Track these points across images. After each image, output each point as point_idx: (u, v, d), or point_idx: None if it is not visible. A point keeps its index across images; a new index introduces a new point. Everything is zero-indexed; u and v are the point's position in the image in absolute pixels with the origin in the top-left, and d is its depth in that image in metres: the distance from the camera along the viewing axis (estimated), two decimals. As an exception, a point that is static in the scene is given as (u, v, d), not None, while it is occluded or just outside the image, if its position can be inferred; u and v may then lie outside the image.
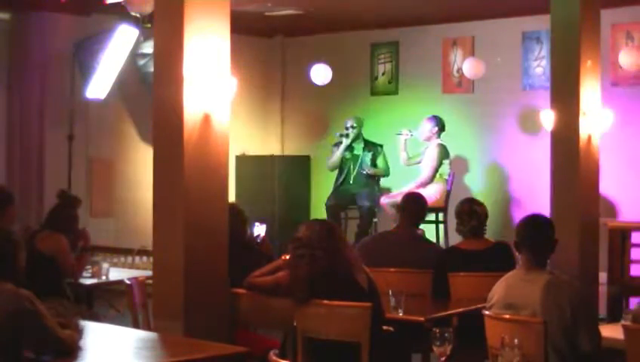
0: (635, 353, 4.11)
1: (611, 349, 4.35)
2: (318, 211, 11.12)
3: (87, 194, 10.28)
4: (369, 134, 10.72)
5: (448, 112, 10.71)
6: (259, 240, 6.00)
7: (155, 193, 5.15)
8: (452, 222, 6.72)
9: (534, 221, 4.52)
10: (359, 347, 4.32)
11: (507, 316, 4.34)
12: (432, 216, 9.89)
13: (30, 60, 10.09)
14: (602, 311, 7.81)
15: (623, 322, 4.43)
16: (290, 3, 10.13)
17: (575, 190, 7.32)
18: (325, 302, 4.40)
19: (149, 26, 8.76)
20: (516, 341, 3.66)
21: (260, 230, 6.07)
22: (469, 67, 10.44)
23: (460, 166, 10.94)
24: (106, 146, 10.78)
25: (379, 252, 6.05)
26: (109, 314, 8.01)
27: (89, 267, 6.72)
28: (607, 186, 9.14)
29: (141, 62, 10.03)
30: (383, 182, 10.74)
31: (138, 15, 8.87)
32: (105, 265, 6.79)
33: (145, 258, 9.09)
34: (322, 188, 11.28)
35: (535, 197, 9.86)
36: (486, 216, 5.97)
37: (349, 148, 10.56)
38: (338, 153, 10.59)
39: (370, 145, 10.57)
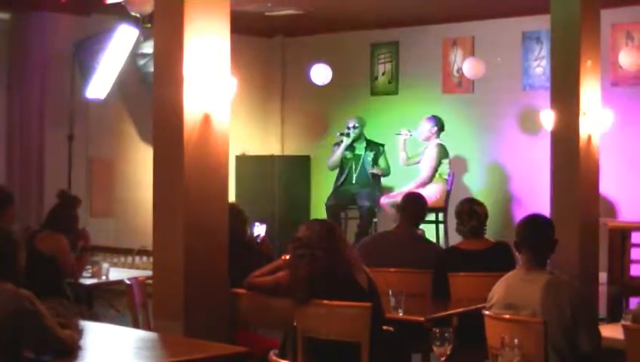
0: (635, 353, 4.11)
1: (611, 349, 4.35)
2: (318, 211, 11.12)
3: (87, 194, 10.28)
4: (369, 134, 10.72)
5: (448, 112, 10.72)
6: (259, 240, 6.00)
7: (155, 193, 5.15)
8: (452, 222, 6.72)
9: (534, 221, 4.52)
10: (359, 347, 4.32)
11: (507, 316, 4.34)
12: (432, 216, 9.89)
13: (30, 60, 10.09)
14: (602, 311, 7.81)
15: (623, 322, 4.43)
16: (290, 3, 10.13)
17: (575, 190, 7.32)
18: (325, 302, 4.40)
19: (149, 26, 8.77)
20: (516, 341, 3.66)
21: (259, 230, 6.07)
22: (469, 67, 10.45)
23: (460, 166, 10.94)
24: (106, 146, 10.78)
25: (379, 252, 6.05)
26: (109, 314, 8.01)
27: (89, 267, 6.72)
28: (607, 186, 9.14)
29: (141, 62, 10.03)
30: (383, 181, 10.74)
31: (138, 15, 8.87)
32: (105, 265, 6.79)
33: (145, 258, 9.09)
34: (322, 188, 11.28)
35: (535, 197, 9.86)
36: (486, 216, 5.97)
37: (351, 147, 10.57)
38: (338, 152, 10.59)
39: (372, 145, 10.57)
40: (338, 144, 10.63)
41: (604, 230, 8.22)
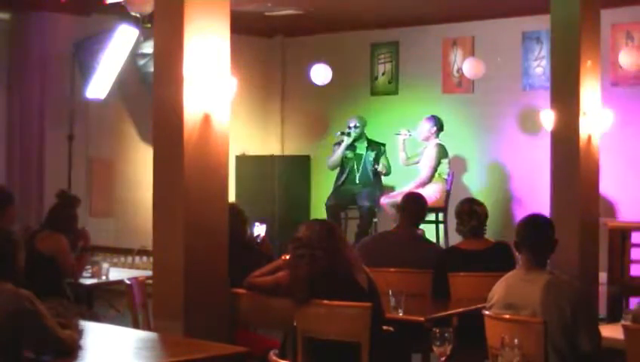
0: (635, 353, 4.11)
1: (611, 349, 4.35)
2: (318, 211, 11.12)
3: (87, 194, 10.28)
4: (369, 134, 10.72)
5: (448, 112, 10.72)
6: (259, 240, 6.00)
7: (155, 193, 5.15)
8: (452, 222, 6.71)
9: (534, 221, 4.52)
10: (359, 347, 4.32)
11: (507, 316, 4.34)
12: (432, 216, 9.89)
13: (30, 60, 10.10)
14: (602, 311, 7.81)
15: (623, 322, 4.43)
16: (290, 3, 10.13)
17: (575, 190, 7.32)
18: (325, 302, 4.40)
19: (149, 26, 8.77)
20: (516, 341, 3.66)
21: (259, 230, 6.07)
22: (469, 67, 10.45)
23: (460, 166, 10.94)
24: (106, 146, 10.78)
25: (379, 252, 6.05)
26: (109, 314, 8.01)
27: (89, 267, 6.72)
28: (607, 186, 9.14)
29: (141, 62, 10.03)
30: (384, 181, 10.74)
31: (138, 15, 8.87)
32: (105, 265, 6.79)
33: (145, 258, 9.09)
34: (322, 188, 11.28)
35: (535, 197, 9.86)
36: (486, 216, 5.97)
37: (351, 147, 10.56)
38: (339, 152, 10.59)
39: (373, 145, 10.57)
40: (339, 143, 10.63)
41: (604, 230, 8.22)
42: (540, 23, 9.74)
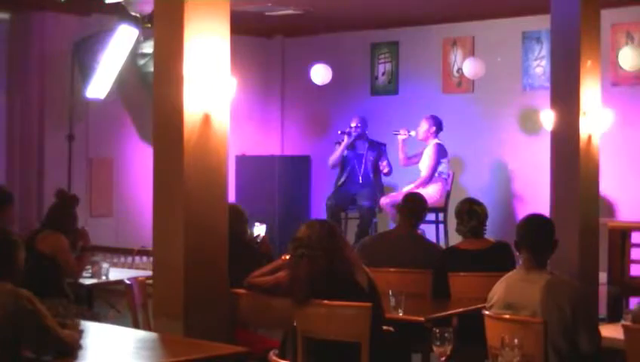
0: (635, 353, 4.11)
1: (611, 349, 4.35)
2: (318, 211, 11.12)
3: (87, 194, 10.29)
4: (369, 134, 10.71)
5: (448, 112, 10.71)
6: (259, 240, 6.00)
7: (155, 193, 5.15)
8: (452, 222, 6.72)
9: (534, 221, 4.52)
10: (359, 347, 4.32)
11: (507, 316, 4.34)
12: (432, 216, 9.89)
13: (30, 60, 10.10)
14: (602, 311, 7.80)
15: (623, 322, 4.44)
16: (290, 3, 10.13)
17: (575, 190, 7.32)
18: (325, 302, 4.40)
19: (149, 25, 8.77)
20: (516, 341, 3.66)
21: (259, 230, 6.07)
22: (469, 67, 10.45)
23: (460, 166, 10.94)
24: (106, 146, 10.78)
25: (379, 252, 6.04)
26: (109, 314, 8.01)
27: (89, 267, 6.72)
28: (607, 186, 9.14)
29: (141, 62, 10.04)
30: (383, 181, 10.73)
31: (138, 15, 8.88)
32: (105, 265, 6.79)
33: (145, 258, 9.09)
34: (322, 188, 11.28)
35: (535, 197, 9.86)
36: (486, 215, 5.97)
37: (352, 147, 10.56)
38: (339, 151, 10.59)
39: (374, 145, 10.57)
40: (339, 143, 10.63)
41: (604, 230, 8.22)
42: (540, 23, 9.74)
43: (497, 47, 10.79)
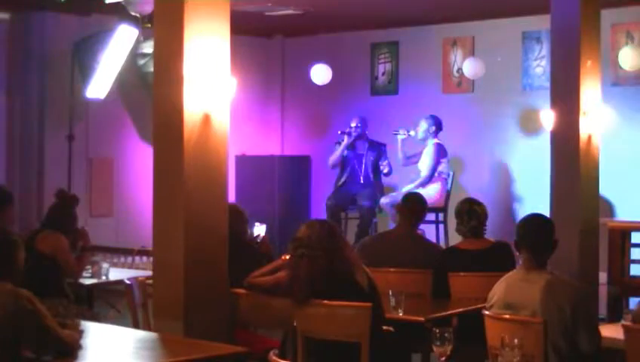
0: (635, 353, 4.11)
1: (611, 349, 4.35)
2: (318, 211, 11.12)
3: (87, 194, 10.29)
4: (369, 134, 10.72)
5: (448, 112, 10.71)
6: (259, 240, 6.00)
7: (155, 193, 5.15)
8: (452, 222, 6.71)
9: (534, 221, 4.52)
10: (359, 347, 4.32)
11: (507, 316, 4.34)
12: (432, 216, 9.89)
13: (30, 60, 10.10)
14: (602, 311, 7.80)
15: (623, 322, 4.44)
16: (290, 3, 10.13)
17: (575, 190, 7.32)
18: (325, 302, 4.40)
19: (149, 25, 8.77)
20: (516, 341, 3.66)
21: (259, 230, 6.07)
22: (469, 67, 10.45)
23: (460, 166, 10.94)
24: (106, 146, 10.78)
25: (379, 252, 6.04)
26: (109, 314, 8.01)
27: (89, 267, 6.72)
28: (607, 186, 9.13)
29: (141, 62, 10.03)
30: (383, 181, 10.73)
31: (138, 15, 8.87)
32: (105, 265, 6.79)
33: (145, 258, 9.08)
34: (322, 188, 11.28)
35: (535, 197, 9.86)
36: (486, 215, 5.97)
37: (352, 147, 10.56)
38: (339, 151, 10.59)
39: (374, 145, 10.57)
40: (339, 143, 10.63)
41: (604, 230, 8.22)
42: (540, 23, 9.74)
43: (497, 47, 10.78)
